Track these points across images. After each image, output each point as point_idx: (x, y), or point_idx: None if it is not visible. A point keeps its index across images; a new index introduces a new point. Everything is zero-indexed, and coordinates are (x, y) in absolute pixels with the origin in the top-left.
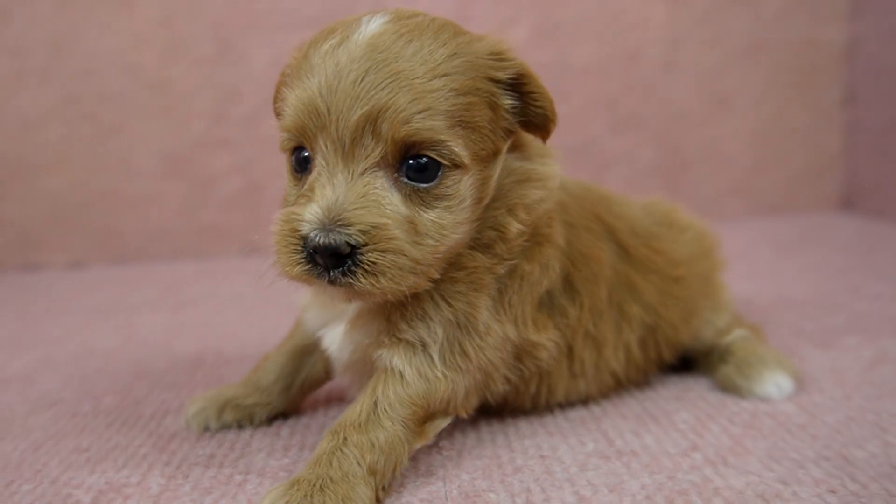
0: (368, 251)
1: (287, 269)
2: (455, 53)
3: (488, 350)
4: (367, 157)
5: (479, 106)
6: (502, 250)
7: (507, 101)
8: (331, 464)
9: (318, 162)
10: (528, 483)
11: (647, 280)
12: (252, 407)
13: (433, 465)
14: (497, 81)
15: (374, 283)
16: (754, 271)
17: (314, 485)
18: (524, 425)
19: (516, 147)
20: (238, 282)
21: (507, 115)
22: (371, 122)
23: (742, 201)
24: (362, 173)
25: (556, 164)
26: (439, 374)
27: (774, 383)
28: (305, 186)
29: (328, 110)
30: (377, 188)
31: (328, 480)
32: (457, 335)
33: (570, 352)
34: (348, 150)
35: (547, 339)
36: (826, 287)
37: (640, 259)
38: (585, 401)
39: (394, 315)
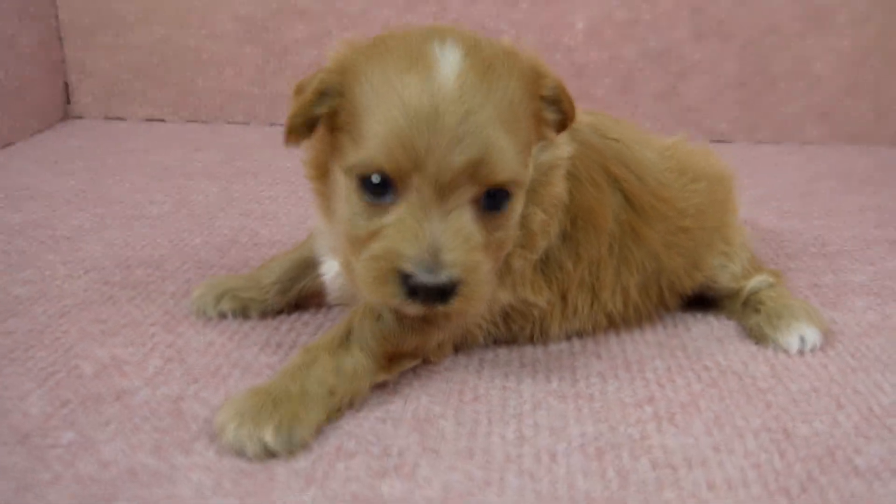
0: (464, 285)
1: (383, 299)
2: (519, 82)
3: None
4: (460, 197)
5: (533, 126)
6: (530, 242)
7: (550, 115)
8: (294, 379)
9: (410, 199)
10: (479, 415)
11: (652, 228)
12: (248, 300)
13: (399, 384)
14: (541, 98)
15: (464, 307)
16: (807, 205)
17: (271, 397)
18: (502, 352)
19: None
20: (298, 154)
21: (546, 128)
22: (472, 167)
23: (825, 127)
24: (452, 210)
25: (568, 145)
26: (414, 322)
27: (799, 335)
28: (390, 219)
29: (426, 150)
30: (466, 224)
31: (285, 395)
32: None
33: (563, 299)
34: (443, 191)
35: (542, 300)
36: (870, 235)
37: (644, 208)
38: (579, 334)
39: None
